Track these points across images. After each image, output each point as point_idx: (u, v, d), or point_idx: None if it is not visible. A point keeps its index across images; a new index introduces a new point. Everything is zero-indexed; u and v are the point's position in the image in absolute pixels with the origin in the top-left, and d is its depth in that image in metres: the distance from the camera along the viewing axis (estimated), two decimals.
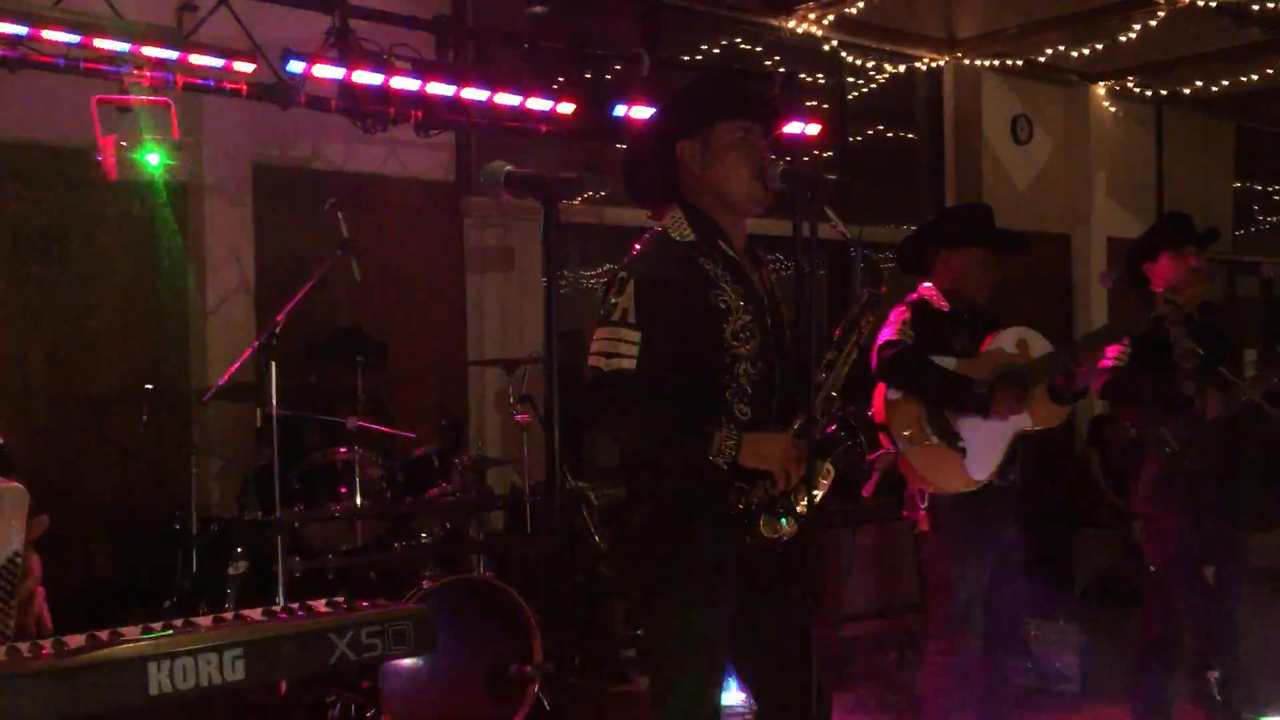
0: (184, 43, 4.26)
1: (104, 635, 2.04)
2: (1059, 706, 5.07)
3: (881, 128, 7.96)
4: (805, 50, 7.09)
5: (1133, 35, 7.08)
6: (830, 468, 2.71)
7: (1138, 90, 8.51)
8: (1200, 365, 3.98)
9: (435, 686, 4.29)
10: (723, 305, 2.69)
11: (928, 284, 3.94)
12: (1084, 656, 5.26)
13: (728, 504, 2.64)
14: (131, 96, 4.20)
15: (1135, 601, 6.29)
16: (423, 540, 4.71)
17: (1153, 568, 4.37)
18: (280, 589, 4.16)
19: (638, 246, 2.80)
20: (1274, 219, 10.68)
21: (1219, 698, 4.10)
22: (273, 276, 5.26)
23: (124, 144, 4.15)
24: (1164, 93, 8.61)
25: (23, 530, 2.02)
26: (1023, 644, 5.17)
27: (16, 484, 1.99)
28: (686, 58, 6.75)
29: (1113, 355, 4.18)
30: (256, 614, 2.13)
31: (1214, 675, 3.68)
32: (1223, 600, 4.26)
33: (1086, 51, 7.51)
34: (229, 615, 2.13)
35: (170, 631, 2.01)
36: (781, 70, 6.56)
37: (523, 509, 5.25)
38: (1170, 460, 4.25)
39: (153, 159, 4.17)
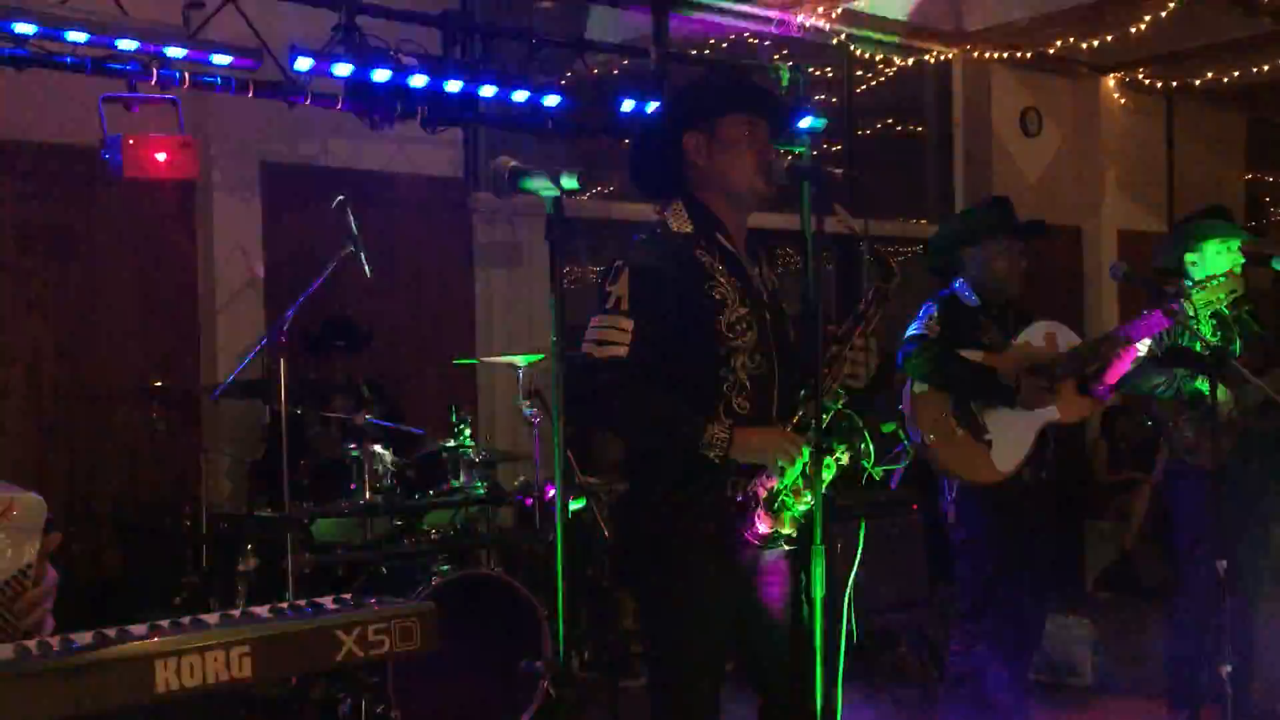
0: (191, 40, 4.26)
1: (111, 633, 2.04)
2: (1071, 700, 5.06)
3: (890, 121, 7.93)
4: (813, 44, 7.07)
5: (1143, 26, 7.04)
6: (833, 462, 2.71)
7: (1148, 82, 8.47)
8: (1215, 361, 3.95)
9: (445, 682, 4.30)
10: (717, 297, 2.69)
11: (959, 281, 3.97)
12: (1095, 650, 5.25)
13: (725, 498, 2.64)
14: (138, 94, 4.21)
15: (1145, 596, 6.27)
16: (432, 536, 4.71)
17: (1181, 559, 4.36)
18: (290, 585, 4.17)
19: (636, 237, 2.81)
20: None
21: (1230, 691, 4.07)
22: (282, 273, 5.27)
23: (131, 142, 4.16)
24: (1174, 84, 8.56)
25: (37, 544, 2.01)
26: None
27: (35, 495, 1.99)
28: (694, 52, 6.73)
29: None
30: (264, 611, 2.13)
31: (1226, 670, 3.67)
32: (1235, 593, 4.23)
33: (1096, 43, 7.47)
34: (236, 613, 2.13)
35: (178, 629, 2.02)
36: (789, 64, 6.54)
37: (532, 504, 5.26)
38: (1184, 454, 4.25)
39: (159, 157, 4.18)
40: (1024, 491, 3.80)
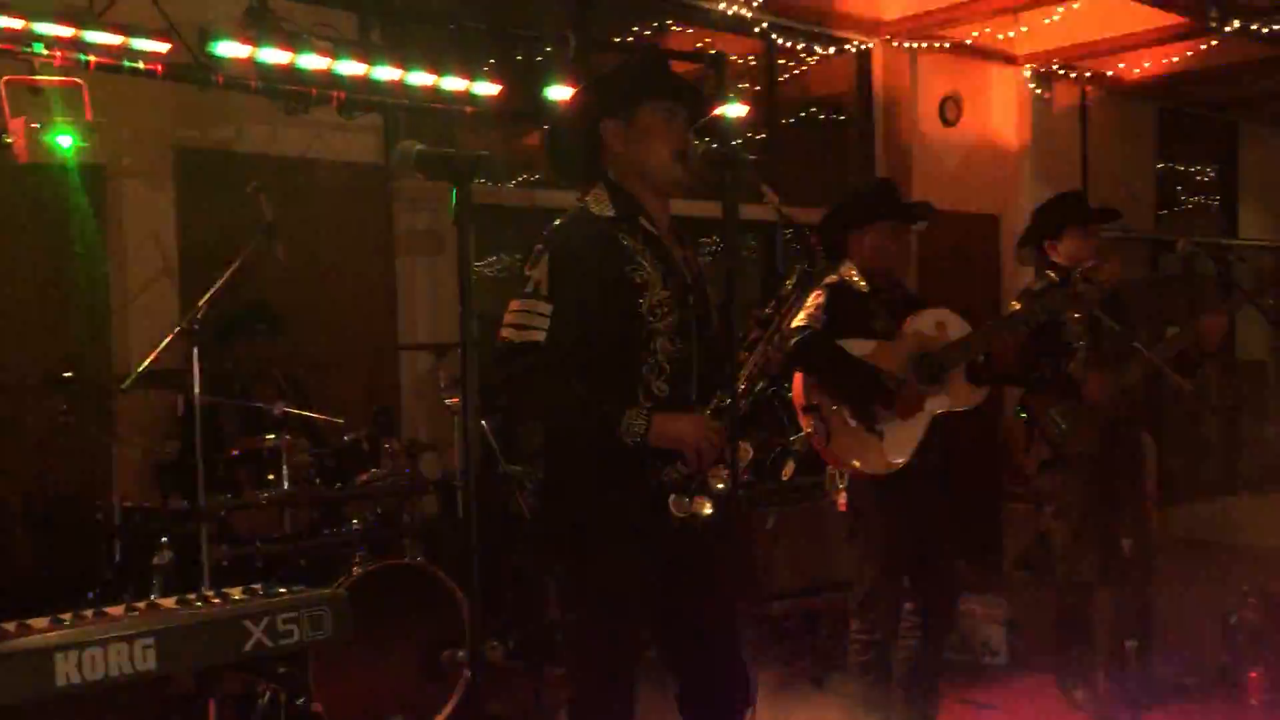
0: (96, 22, 4.16)
1: (11, 627, 2.00)
2: (986, 678, 5.16)
3: (813, 109, 7.99)
4: (735, 32, 7.09)
5: (1057, 18, 7.18)
6: (749, 447, 2.73)
7: (1063, 72, 8.63)
8: (1090, 346, 4.08)
9: (367, 673, 4.27)
10: (639, 280, 2.70)
11: (847, 265, 3.97)
12: (1011, 629, 5.36)
13: (642, 482, 2.66)
14: (42, 77, 4.09)
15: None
16: (353, 526, 4.67)
17: (1059, 542, 4.52)
18: (206, 578, 4.10)
19: (558, 222, 2.81)
20: (1196, 199, 10.91)
21: (1136, 665, 4.22)
22: (196, 261, 5.16)
23: (34, 126, 4.05)
24: (1088, 74, 8.74)
25: None
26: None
27: None
28: (617, 39, 6.72)
29: None
30: (170, 603, 2.10)
31: (1131, 644, 3.79)
32: (1136, 572, 4.39)
33: (1013, 34, 7.60)
34: (141, 605, 2.10)
35: (80, 622, 1.98)
36: (711, 52, 6.57)
37: (454, 493, 5.23)
38: (1058, 441, 4.37)
39: (65, 141, 4.07)
40: (914, 478, 3.83)
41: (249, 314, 4.96)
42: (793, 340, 3.73)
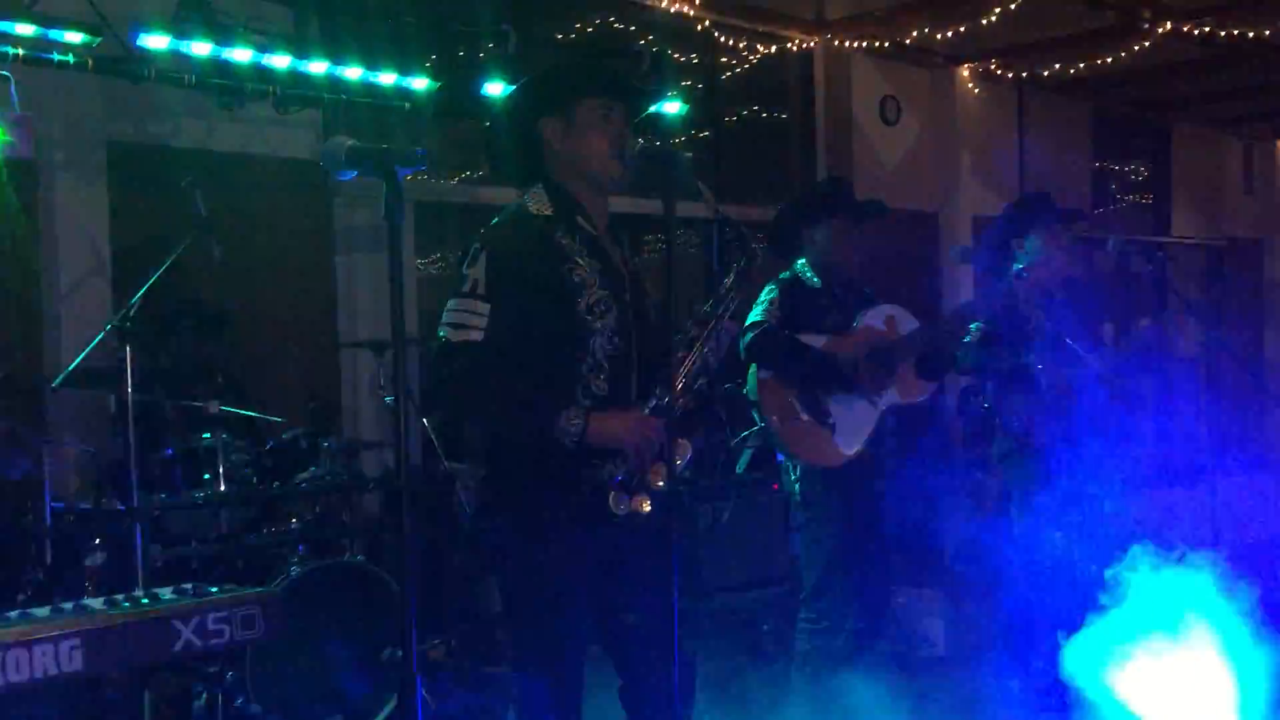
0: (25, 13, 4.08)
1: None
2: (924, 670, 5.23)
3: (755, 108, 8.04)
4: (677, 29, 7.11)
5: (993, 19, 7.28)
6: (688, 444, 2.75)
7: (999, 72, 8.76)
8: (1046, 341, 4.15)
9: (307, 672, 4.23)
10: (576, 280, 2.70)
11: (800, 262, 4.03)
12: (948, 622, 5.44)
13: (581, 480, 2.66)
14: None
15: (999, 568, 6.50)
16: (292, 525, 4.62)
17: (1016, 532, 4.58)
18: (140, 580, 4.04)
19: (495, 220, 2.81)
20: (1130, 197, 11.13)
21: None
22: (130, 258, 5.08)
23: None
24: (1024, 75, 8.88)
25: None
26: (889, 610, 5.33)
27: None
28: (559, 35, 6.72)
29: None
30: (97, 603, 2.08)
31: (1063, 634, 3.85)
32: (1082, 563, 4.46)
33: (950, 34, 7.70)
34: (68, 605, 2.07)
35: (3, 624, 1.95)
36: (654, 50, 6.58)
37: (397, 492, 5.19)
38: (1018, 432, 4.45)
39: None
40: (863, 470, 3.90)
41: (179, 313, 4.90)
42: (747, 336, 3.78)
